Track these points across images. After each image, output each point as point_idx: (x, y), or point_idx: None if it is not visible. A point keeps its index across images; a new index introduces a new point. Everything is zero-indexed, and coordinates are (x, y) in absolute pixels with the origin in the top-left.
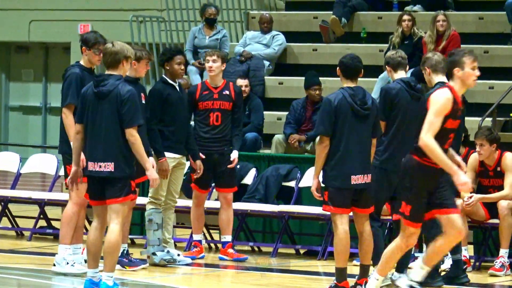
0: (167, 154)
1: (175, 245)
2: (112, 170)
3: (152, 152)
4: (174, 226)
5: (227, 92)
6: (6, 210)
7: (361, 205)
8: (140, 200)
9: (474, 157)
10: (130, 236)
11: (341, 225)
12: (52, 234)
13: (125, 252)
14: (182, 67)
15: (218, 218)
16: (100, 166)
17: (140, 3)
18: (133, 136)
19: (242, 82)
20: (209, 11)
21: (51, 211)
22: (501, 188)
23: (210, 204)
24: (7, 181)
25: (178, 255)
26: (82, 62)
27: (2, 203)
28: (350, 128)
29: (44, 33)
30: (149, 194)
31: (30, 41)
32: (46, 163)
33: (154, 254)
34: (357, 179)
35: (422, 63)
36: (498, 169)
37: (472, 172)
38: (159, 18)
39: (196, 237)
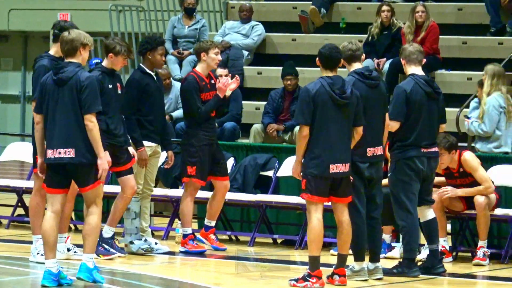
0: (145, 142)
1: (153, 234)
2: (73, 156)
3: (130, 142)
4: (152, 215)
5: (213, 82)
6: None
7: (340, 194)
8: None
9: None
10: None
11: (315, 213)
12: (29, 222)
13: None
14: (164, 58)
15: (210, 203)
16: (59, 153)
17: None
18: (92, 122)
19: (222, 72)
20: (188, 0)
21: (29, 199)
22: (471, 185)
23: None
24: None
25: (156, 243)
26: (52, 52)
27: None
28: (329, 117)
29: (23, 22)
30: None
31: (10, 30)
32: (24, 151)
33: (131, 242)
34: (335, 168)
35: (399, 54)
36: (461, 169)
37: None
38: (138, 7)
39: (213, 223)
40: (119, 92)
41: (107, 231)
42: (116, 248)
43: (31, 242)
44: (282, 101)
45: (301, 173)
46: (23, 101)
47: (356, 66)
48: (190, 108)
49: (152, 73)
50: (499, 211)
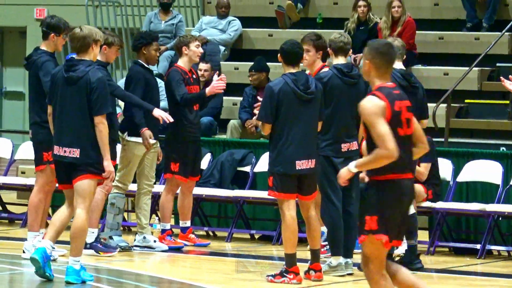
0: (139, 139)
1: (129, 230)
2: (78, 156)
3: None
4: (128, 211)
5: (194, 77)
6: None
7: (305, 191)
8: (132, 186)
9: None
10: (125, 224)
11: (288, 211)
12: (7, 218)
13: (99, 238)
14: (158, 53)
15: (178, 204)
16: (65, 151)
17: None
18: (103, 123)
19: (204, 66)
20: None
21: (6, 195)
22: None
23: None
24: None
25: (155, 241)
26: (45, 48)
27: None
28: (294, 114)
29: None
30: (116, 178)
31: None
32: (1, 147)
33: (110, 238)
34: (301, 164)
35: None
36: None
37: None
38: (114, 2)
39: (188, 223)
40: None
41: (88, 234)
42: (108, 245)
43: (8, 239)
44: (255, 96)
45: (267, 170)
46: (0, 97)
47: (340, 59)
48: (175, 96)
49: (150, 68)
50: (475, 206)
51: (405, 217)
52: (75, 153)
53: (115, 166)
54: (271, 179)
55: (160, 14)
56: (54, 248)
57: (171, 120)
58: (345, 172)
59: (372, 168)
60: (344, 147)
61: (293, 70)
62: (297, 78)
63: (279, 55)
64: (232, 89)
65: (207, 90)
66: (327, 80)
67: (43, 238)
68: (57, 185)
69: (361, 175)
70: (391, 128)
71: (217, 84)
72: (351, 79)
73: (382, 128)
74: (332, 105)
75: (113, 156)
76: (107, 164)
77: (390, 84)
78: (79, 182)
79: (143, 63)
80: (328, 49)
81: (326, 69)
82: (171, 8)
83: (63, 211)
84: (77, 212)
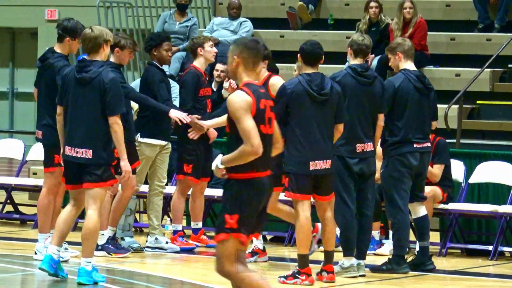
0: (151, 140)
1: (141, 231)
2: (90, 157)
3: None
4: (139, 212)
5: (207, 78)
6: None
7: (322, 192)
8: (144, 188)
9: None
10: (137, 225)
11: (303, 212)
12: (18, 219)
13: (110, 239)
14: (170, 53)
15: (190, 205)
16: (77, 152)
17: None
18: (118, 124)
19: (221, 67)
20: None
21: (17, 196)
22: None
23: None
24: None
25: (167, 242)
26: (59, 50)
27: None
28: (308, 114)
29: (11, 18)
30: None
31: None
32: (13, 148)
33: (122, 239)
34: (316, 165)
35: (392, 49)
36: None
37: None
38: (126, 3)
39: (200, 225)
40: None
41: (109, 230)
42: (119, 247)
43: (19, 240)
44: None
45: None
46: (12, 98)
47: (358, 61)
48: (183, 100)
49: (163, 69)
50: (487, 207)
51: (262, 214)
52: (87, 153)
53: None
54: (287, 180)
55: (175, 15)
56: (67, 249)
57: (188, 120)
58: (215, 169)
59: (234, 166)
60: (359, 147)
61: (311, 71)
62: (311, 79)
63: (299, 55)
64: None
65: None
66: (339, 80)
67: (50, 243)
68: None
69: (376, 175)
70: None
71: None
72: (366, 78)
73: (249, 124)
74: (346, 104)
75: (136, 158)
76: (124, 164)
77: (257, 82)
78: (92, 189)
79: (158, 64)
80: (348, 48)
81: (278, 77)
82: (186, 10)
83: (67, 213)
84: (88, 213)
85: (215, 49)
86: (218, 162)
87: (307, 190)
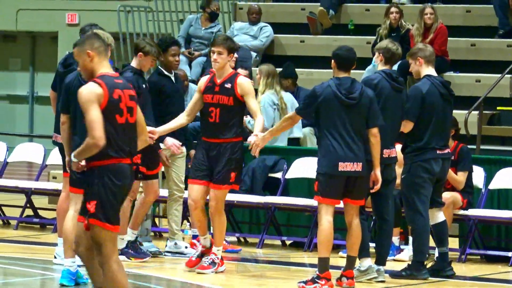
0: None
1: (160, 235)
2: None
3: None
4: (159, 216)
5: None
6: None
7: (354, 196)
8: (163, 192)
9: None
10: (156, 229)
11: (326, 215)
12: (38, 223)
13: (129, 243)
14: (177, 58)
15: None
16: None
17: None
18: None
19: (243, 72)
20: (213, 5)
21: (37, 200)
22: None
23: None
24: None
25: (186, 247)
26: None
27: None
28: (336, 117)
29: (31, 22)
30: (141, 184)
31: (18, 30)
32: (33, 152)
33: (140, 244)
34: (345, 166)
35: (413, 54)
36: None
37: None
38: (146, 8)
39: None
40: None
41: (130, 234)
42: (140, 251)
43: (39, 244)
44: None
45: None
46: (32, 102)
47: (387, 67)
48: None
49: (171, 75)
50: (507, 213)
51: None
52: None
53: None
54: (316, 184)
55: (202, 21)
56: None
57: (182, 151)
58: (72, 164)
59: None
60: (386, 152)
61: (343, 76)
62: (341, 83)
63: (333, 60)
64: None
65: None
66: (376, 83)
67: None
68: None
69: (397, 181)
70: (108, 115)
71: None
72: (399, 85)
73: (93, 115)
74: (380, 108)
75: (157, 163)
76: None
77: (113, 74)
78: None
79: (163, 70)
80: (380, 54)
81: (245, 78)
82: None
83: (71, 223)
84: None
85: (235, 55)
86: (72, 156)
87: (336, 194)
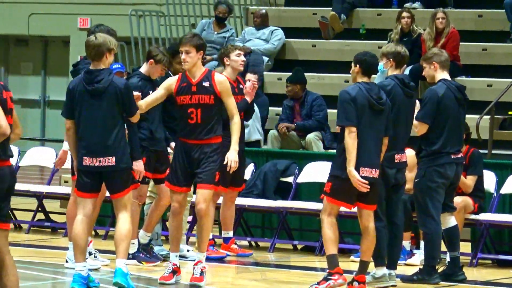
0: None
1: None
2: (114, 164)
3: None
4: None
5: (241, 86)
6: None
7: (367, 200)
8: None
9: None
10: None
11: (330, 216)
12: (50, 227)
13: (140, 247)
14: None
15: (220, 214)
16: (100, 161)
17: None
18: (137, 117)
19: (252, 77)
20: (220, 9)
21: (49, 204)
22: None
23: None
24: None
25: (188, 251)
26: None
27: None
28: (365, 122)
29: (43, 26)
30: (149, 188)
31: (30, 34)
32: (44, 156)
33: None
34: (365, 172)
35: (428, 58)
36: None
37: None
38: (158, 12)
39: (231, 234)
40: None
41: (143, 237)
42: (153, 255)
43: (50, 247)
44: (293, 107)
45: (329, 175)
46: (43, 106)
47: (398, 71)
48: None
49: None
50: None
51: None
52: (111, 161)
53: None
54: (330, 184)
55: (214, 25)
56: (97, 257)
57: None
58: None
59: None
60: (397, 157)
61: (367, 81)
62: (370, 88)
63: (357, 65)
64: (275, 99)
65: (246, 97)
66: (390, 89)
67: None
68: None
69: (407, 186)
70: None
71: (250, 85)
72: (411, 90)
73: None
74: (392, 114)
75: (166, 167)
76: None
77: None
78: (120, 198)
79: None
80: (389, 60)
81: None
82: (225, 22)
83: (80, 227)
84: (120, 215)
85: (242, 58)
86: None
87: (349, 198)
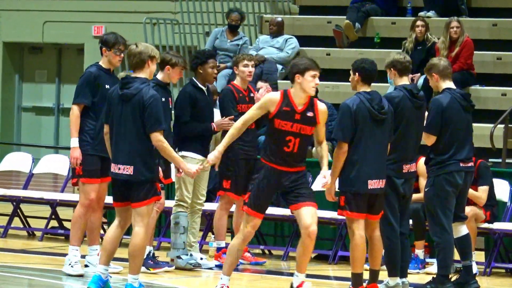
0: (191, 154)
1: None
2: (131, 174)
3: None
4: None
5: (252, 95)
6: (18, 210)
7: (374, 211)
8: (168, 203)
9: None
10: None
11: (358, 230)
12: (63, 234)
13: (150, 254)
14: (215, 70)
15: (233, 222)
16: (119, 169)
17: (154, 6)
18: (160, 140)
19: (262, 85)
20: (232, 16)
21: (62, 212)
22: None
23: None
24: (20, 181)
25: (201, 259)
26: (101, 63)
27: (14, 203)
28: (368, 133)
29: (58, 34)
30: (176, 197)
31: (44, 42)
32: (58, 163)
33: (179, 257)
34: (373, 184)
35: (427, 70)
36: None
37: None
38: (172, 20)
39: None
40: (170, 106)
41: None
42: (160, 263)
43: (64, 255)
44: None
45: (339, 190)
46: (57, 113)
47: (404, 80)
48: (222, 113)
49: (204, 88)
50: None
51: None
52: (128, 170)
53: (170, 184)
54: (343, 198)
55: (227, 33)
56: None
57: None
58: None
59: None
60: (406, 168)
61: (367, 89)
62: (372, 98)
63: (356, 73)
64: None
65: (215, 124)
66: (398, 101)
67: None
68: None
69: (417, 195)
70: None
71: (262, 92)
72: (419, 100)
73: None
74: (401, 125)
75: (169, 174)
76: (184, 168)
77: None
78: (138, 208)
79: (197, 83)
80: (391, 70)
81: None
82: (237, 29)
83: (113, 232)
84: (135, 230)
85: (249, 69)
86: None
87: (363, 209)
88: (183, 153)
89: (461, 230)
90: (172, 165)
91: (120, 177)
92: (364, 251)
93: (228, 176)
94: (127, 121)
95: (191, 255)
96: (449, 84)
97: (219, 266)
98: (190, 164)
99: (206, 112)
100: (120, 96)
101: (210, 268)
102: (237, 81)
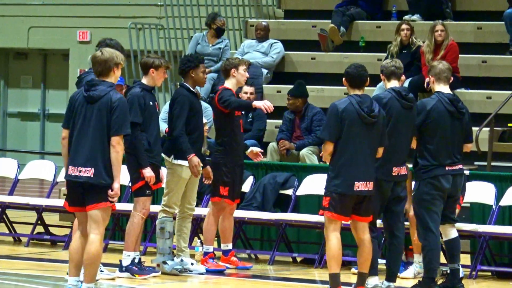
0: (185, 162)
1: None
2: (91, 176)
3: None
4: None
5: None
6: (4, 216)
7: (362, 213)
8: (153, 208)
9: None
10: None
11: (334, 231)
12: (49, 240)
13: (136, 260)
14: (205, 75)
15: (220, 227)
16: (80, 171)
17: (139, 11)
18: (120, 145)
19: (248, 89)
20: (220, 21)
21: (48, 217)
22: None
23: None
24: (5, 187)
25: (192, 264)
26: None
27: (0, 209)
28: (356, 135)
29: (43, 39)
30: (162, 203)
31: (29, 48)
32: (44, 169)
33: (165, 263)
34: (360, 186)
35: (428, 72)
36: None
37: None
38: (157, 25)
39: (230, 246)
40: (158, 110)
41: (125, 257)
42: (146, 268)
43: (50, 260)
44: (293, 119)
45: (324, 190)
46: (43, 119)
47: (394, 83)
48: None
49: (194, 91)
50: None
51: None
52: (89, 172)
53: (159, 189)
54: (328, 199)
55: (209, 37)
56: (102, 271)
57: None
58: None
59: None
60: (395, 171)
61: (358, 93)
62: (362, 100)
63: (344, 78)
64: (274, 112)
65: (255, 105)
66: (386, 101)
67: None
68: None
69: (406, 205)
70: None
71: (269, 105)
72: (409, 102)
73: None
74: (388, 127)
75: (157, 180)
76: (117, 186)
77: None
78: (94, 210)
79: (189, 87)
80: (381, 74)
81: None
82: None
83: (77, 242)
84: (91, 237)
85: (247, 74)
86: None
87: (347, 211)
88: (179, 161)
89: (451, 232)
90: (163, 170)
91: (80, 179)
92: (340, 251)
93: (226, 182)
94: (92, 123)
95: (182, 260)
96: (442, 88)
97: (207, 271)
98: (185, 171)
99: (199, 115)
100: (86, 98)
101: (201, 274)
102: (229, 84)
